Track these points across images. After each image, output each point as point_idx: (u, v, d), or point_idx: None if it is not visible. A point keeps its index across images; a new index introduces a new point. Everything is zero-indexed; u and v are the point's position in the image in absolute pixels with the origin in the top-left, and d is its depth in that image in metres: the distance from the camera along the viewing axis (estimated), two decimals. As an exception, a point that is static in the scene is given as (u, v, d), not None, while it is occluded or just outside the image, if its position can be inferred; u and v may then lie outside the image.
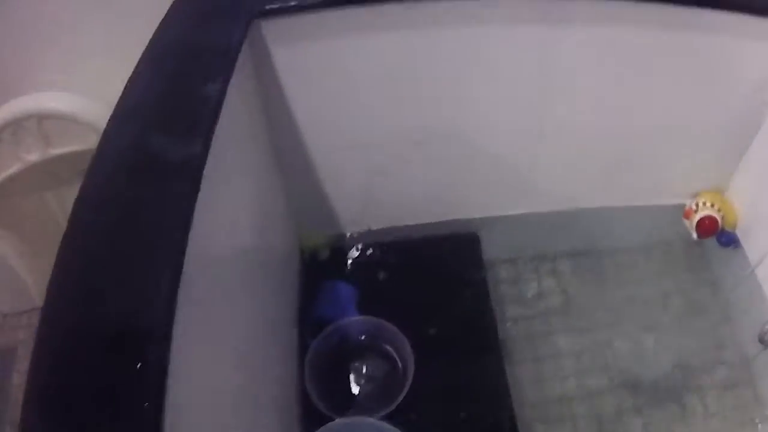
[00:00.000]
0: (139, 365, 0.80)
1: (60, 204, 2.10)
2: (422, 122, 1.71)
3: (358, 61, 1.52)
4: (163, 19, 1.32)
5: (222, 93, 1.15)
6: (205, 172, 1.02)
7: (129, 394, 0.78)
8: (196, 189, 1.00)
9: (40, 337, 0.86)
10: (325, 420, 1.57)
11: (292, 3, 1.37)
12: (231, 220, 1.31)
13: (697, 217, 1.96)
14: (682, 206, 2.04)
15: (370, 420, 1.55)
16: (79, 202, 1.01)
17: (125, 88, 1.16)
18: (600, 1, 1.44)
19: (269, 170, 1.67)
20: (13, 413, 2.38)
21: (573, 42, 1.53)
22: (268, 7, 1.36)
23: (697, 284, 2.10)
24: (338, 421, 1.56)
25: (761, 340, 1.75)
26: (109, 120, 1.12)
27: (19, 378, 2.52)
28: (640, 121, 1.77)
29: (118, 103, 1.14)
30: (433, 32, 1.48)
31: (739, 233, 2.01)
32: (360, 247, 2.02)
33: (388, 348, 1.80)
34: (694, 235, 1.98)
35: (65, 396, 0.80)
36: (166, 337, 0.83)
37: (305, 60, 1.50)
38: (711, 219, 1.94)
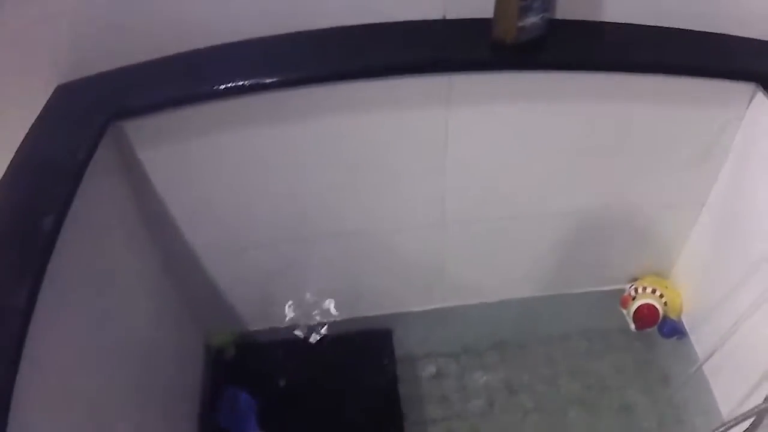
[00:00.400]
0: None
1: None
2: (318, 220, 1.55)
3: (234, 156, 1.36)
4: (30, 129, 1.18)
5: (56, 225, 1.01)
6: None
7: None
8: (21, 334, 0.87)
9: None
10: None
11: (156, 100, 1.22)
12: (102, 320, 1.20)
13: (634, 306, 1.74)
14: (618, 293, 1.81)
15: None
16: None
17: None
18: (514, 74, 1.28)
19: (155, 269, 1.52)
20: None
21: (474, 123, 1.35)
22: (130, 105, 1.22)
23: (640, 380, 1.87)
24: None
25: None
26: None
27: None
28: (566, 203, 1.60)
29: None
30: (319, 123, 1.32)
31: (685, 322, 1.78)
32: (267, 345, 1.85)
33: None
34: (632, 326, 1.76)
35: None
36: None
37: (177, 159, 1.33)
38: (650, 308, 1.73)
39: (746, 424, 1.27)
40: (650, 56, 1.31)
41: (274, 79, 1.20)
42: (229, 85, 1.19)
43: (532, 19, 1.20)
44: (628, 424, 1.79)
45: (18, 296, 0.90)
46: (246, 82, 1.20)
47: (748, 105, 1.39)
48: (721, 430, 1.27)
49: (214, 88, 1.19)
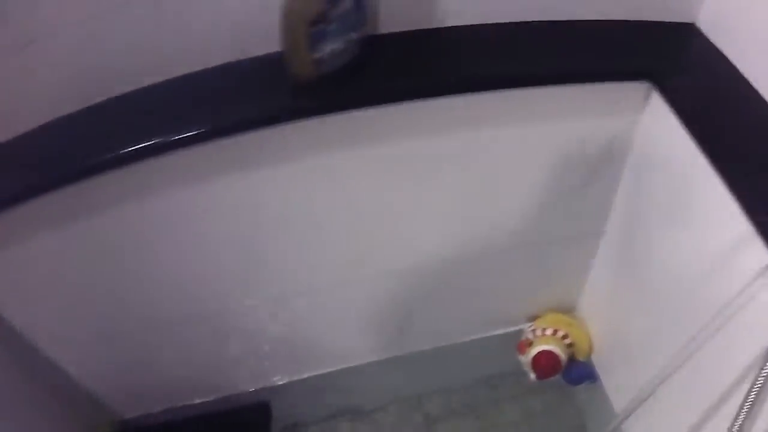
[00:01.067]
0: None
1: None
2: (161, 304, 1.30)
3: (62, 251, 1.12)
4: None
5: None
6: None
7: None
8: None
9: None
10: None
11: None
12: None
13: (531, 353, 1.48)
14: (511, 337, 1.56)
15: None
16: None
17: None
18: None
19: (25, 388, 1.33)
20: None
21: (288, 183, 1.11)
22: None
23: (553, 425, 1.61)
24: None
25: None
26: None
27: None
28: (441, 249, 1.35)
29: None
30: (130, 208, 1.08)
31: (595, 362, 1.53)
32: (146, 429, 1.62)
33: None
34: (533, 376, 1.50)
35: None
36: None
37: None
38: (549, 355, 1.48)
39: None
40: (508, 66, 1.04)
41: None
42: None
43: (331, 46, 0.90)
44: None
45: None
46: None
47: (643, 110, 1.13)
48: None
49: None
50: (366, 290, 1.38)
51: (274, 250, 1.23)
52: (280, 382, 1.58)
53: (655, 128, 1.12)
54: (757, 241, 0.85)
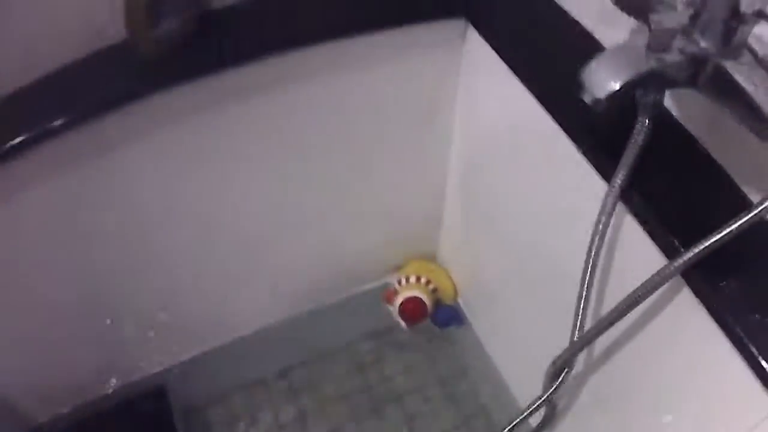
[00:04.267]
0: None
1: None
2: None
3: None
4: None
5: None
6: None
7: None
8: None
9: None
10: None
11: None
12: None
13: (398, 301, 1.53)
14: (377, 289, 1.61)
15: None
16: None
17: None
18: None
19: None
20: None
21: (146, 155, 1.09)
22: None
23: (429, 372, 1.73)
24: None
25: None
26: None
27: None
28: (295, 204, 1.37)
29: None
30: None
31: (462, 304, 1.60)
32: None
33: None
34: (403, 324, 1.55)
35: None
36: None
37: None
38: (414, 301, 1.54)
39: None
40: (329, 18, 1.07)
41: None
42: None
43: (170, 24, 0.92)
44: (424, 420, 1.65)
45: None
46: None
47: (462, 46, 1.19)
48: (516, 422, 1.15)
49: None
50: (227, 259, 1.39)
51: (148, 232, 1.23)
52: (171, 363, 1.57)
53: (473, 62, 1.18)
54: (563, 138, 0.92)
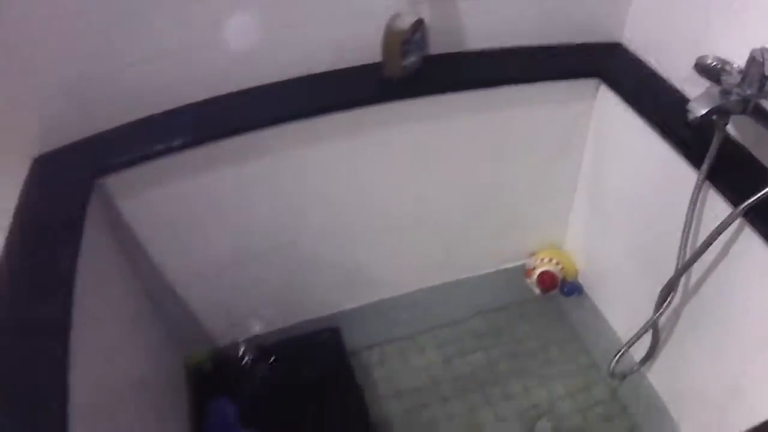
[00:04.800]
0: None
1: None
2: (265, 238, 1.86)
3: (198, 196, 1.66)
4: (19, 197, 1.41)
5: (75, 256, 1.26)
6: (74, 326, 1.13)
7: None
8: (65, 344, 1.10)
9: None
10: None
11: (125, 158, 1.50)
12: (111, 357, 1.41)
13: (536, 275, 2.13)
14: (523, 267, 2.22)
15: None
16: None
17: None
18: (404, 102, 1.65)
19: (141, 305, 1.77)
20: None
21: (379, 144, 1.74)
22: (108, 164, 1.49)
23: (554, 334, 2.33)
24: None
25: (612, 376, 1.90)
26: None
27: None
28: (464, 199, 1.99)
29: None
30: (259, 160, 1.65)
31: (581, 281, 2.19)
32: (238, 357, 2.10)
33: None
34: (537, 291, 2.15)
35: None
36: None
37: (150, 203, 1.62)
38: (548, 274, 2.13)
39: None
40: (507, 71, 1.71)
41: (220, 131, 1.54)
42: (183, 140, 1.51)
43: (412, 59, 1.57)
44: (551, 370, 2.20)
45: (57, 307, 1.16)
46: (195, 137, 1.52)
47: (596, 97, 1.81)
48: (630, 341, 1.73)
49: (173, 143, 1.50)
50: (414, 231, 2.00)
51: (362, 192, 1.84)
52: (347, 308, 2.15)
53: (605, 109, 1.80)
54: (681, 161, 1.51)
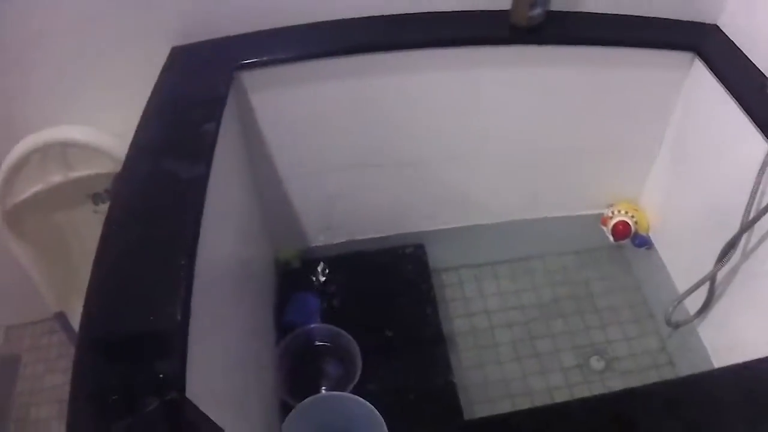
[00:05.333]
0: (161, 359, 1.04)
1: (70, 223, 2.39)
2: (374, 152, 2.08)
3: (321, 103, 1.89)
4: (160, 76, 1.66)
5: (216, 130, 1.47)
6: (207, 189, 1.31)
7: (155, 381, 1.02)
8: (202, 201, 1.29)
9: (82, 335, 1.11)
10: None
11: (265, 58, 1.74)
12: (223, 233, 1.56)
13: (612, 223, 2.32)
14: (600, 215, 2.42)
15: (341, 394, 1.89)
16: (110, 216, 1.29)
17: (138, 127, 1.49)
18: (519, 47, 1.85)
19: (250, 195, 1.99)
20: (15, 417, 2.69)
21: (496, 82, 1.93)
22: (245, 61, 1.72)
23: (619, 281, 2.51)
24: (315, 396, 1.90)
25: (668, 323, 2.09)
26: (129, 150, 1.44)
27: (22, 385, 2.82)
28: (559, 143, 2.17)
29: (134, 138, 1.46)
30: (383, 79, 1.86)
31: (651, 236, 2.37)
32: (325, 258, 2.37)
33: (342, 351, 2.10)
34: (611, 239, 2.35)
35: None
36: (184, 333, 1.07)
37: (278, 102, 1.85)
38: (624, 224, 2.32)
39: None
40: (616, 34, 1.88)
41: (357, 45, 1.77)
42: (320, 49, 1.75)
43: (537, 11, 1.77)
44: (613, 316, 2.40)
45: (200, 167, 1.35)
46: (333, 48, 1.76)
47: (689, 69, 1.97)
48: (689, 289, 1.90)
49: (312, 51, 1.75)
50: (511, 165, 2.22)
51: (472, 122, 2.04)
52: (434, 228, 2.37)
53: (697, 81, 1.95)
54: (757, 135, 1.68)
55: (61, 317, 2.48)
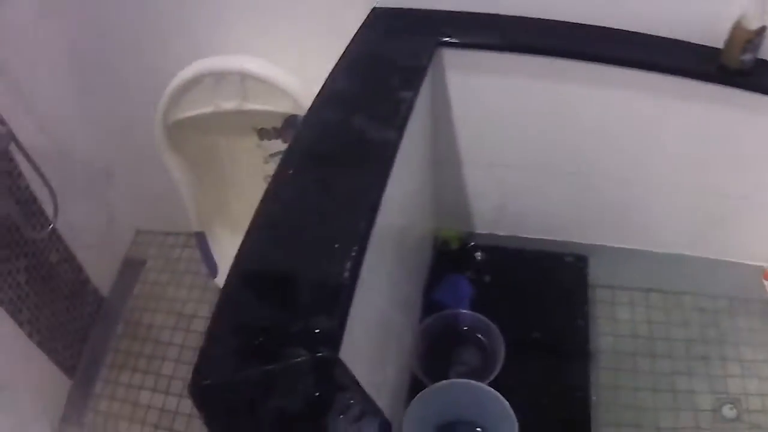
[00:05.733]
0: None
1: (230, 151, 2.56)
2: (554, 157, 2.14)
3: (515, 98, 1.95)
4: (358, 32, 1.73)
5: (413, 100, 1.49)
6: (396, 155, 1.34)
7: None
8: (389, 166, 1.31)
9: (236, 266, 1.10)
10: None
11: (469, 41, 1.81)
12: (399, 201, 1.59)
13: (773, 278, 2.29)
14: (763, 268, 2.39)
15: (480, 385, 1.91)
16: (288, 158, 1.33)
17: (329, 77, 1.57)
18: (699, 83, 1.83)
19: (426, 169, 2.08)
20: (127, 318, 2.85)
21: (687, 115, 1.94)
22: (450, 39, 1.78)
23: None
24: (452, 381, 1.97)
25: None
26: (317, 98, 1.49)
27: (141, 289, 2.98)
28: (734, 190, 2.14)
29: (324, 87, 1.53)
30: (580, 88, 1.91)
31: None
32: (485, 247, 2.45)
33: (486, 342, 2.15)
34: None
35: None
36: (349, 293, 1.07)
37: (473, 87, 1.93)
38: (785, 281, 2.27)
39: None
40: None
41: (563, 49, 1.79)
42: (526, 44, 1.79)
43: (749, 56, 1.76)
44: (754, 368, 2.36)
45: (391, 132, 1.38)
46: (539, 46, 1.79)
47: None
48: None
49: (515, 43, 1.79)
50: (685, 196, 2.17)
51: (652, 148, 2.04)
52: (597, 243, 2.39)
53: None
54: None
55: (201, 237, 2.60)
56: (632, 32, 1.84)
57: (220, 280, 2.66)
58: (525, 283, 2.38)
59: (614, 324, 2.46)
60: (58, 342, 2.54)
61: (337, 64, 1.61)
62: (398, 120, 1.43)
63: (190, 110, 2.25)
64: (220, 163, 2.62)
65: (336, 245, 1.12)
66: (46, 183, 2.25)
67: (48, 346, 2.46)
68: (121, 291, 2.99)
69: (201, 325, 2.82)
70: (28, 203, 2.34)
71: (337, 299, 1.04)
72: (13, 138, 2.05)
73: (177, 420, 2.56)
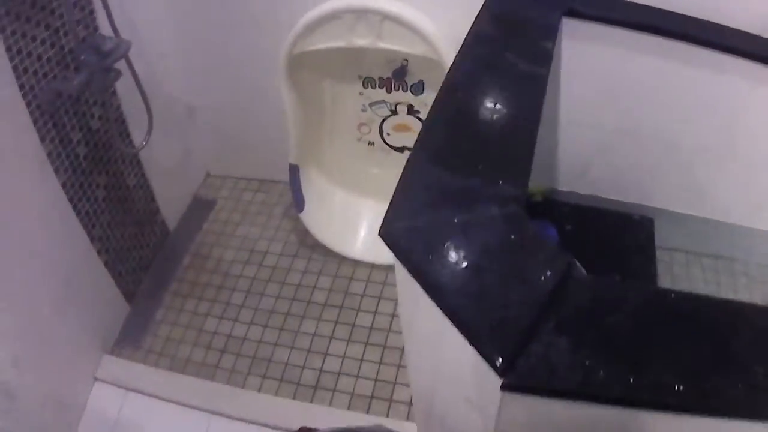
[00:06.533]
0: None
1: (332, 93, 2.71)
2: (647, 127, 2.31)
3: (626, 72, 2.12)
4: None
5: (552, 48, 1.63)
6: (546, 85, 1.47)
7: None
8: (542, 94, 1.44)
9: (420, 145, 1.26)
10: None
11: (593, 13, 1.99)
12: None
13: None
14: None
15: None
16: (449, 76, 1.47)
17: (474, 23, 1.68)
18: None
19: None
20: (195, 251, 2.99)
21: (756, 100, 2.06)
22: (576, 8, 1.95)
23: None
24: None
25: None
26: (466, 39, 1.62)
27: (212, 226, 3.11)
28: None
29: (470, 31, 1.65)
30: (687, 70, 2.08)
31: None
32: (565, 204, 2.57)
33: None
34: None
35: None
36: None
37: (583, 54, 2.06)
38: None
39: None
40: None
41: (679, 32, 1.96)
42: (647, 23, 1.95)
43: None
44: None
45: (541, 68, 1.54)
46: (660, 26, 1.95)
47: None
48: None
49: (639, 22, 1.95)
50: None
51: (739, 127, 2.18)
52: (669, 209, 2.49)
53: None
54: None
55: (294, 170, 2.72)
56: (735, 29, 2.03)
57: (306, 215, 2.84)
58: (596, 240, 2.53)
59: (672, 280, 2.68)
60: (123, 266, 2.65)
61: (479, 15, 1.78)
62: (544, 60, 1.60)
63: (321, 43, 2.36)
64: (321, 104, 2.75)
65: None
66: (145, 102, 2.36)
67: (114, 268, 2.58)
68: (189, 226, 3.13)
69: (274, 261, 2.93)
70: (118, 122, 2.47)
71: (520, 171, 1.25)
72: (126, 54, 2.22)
73: (245, 345, 2.63)
